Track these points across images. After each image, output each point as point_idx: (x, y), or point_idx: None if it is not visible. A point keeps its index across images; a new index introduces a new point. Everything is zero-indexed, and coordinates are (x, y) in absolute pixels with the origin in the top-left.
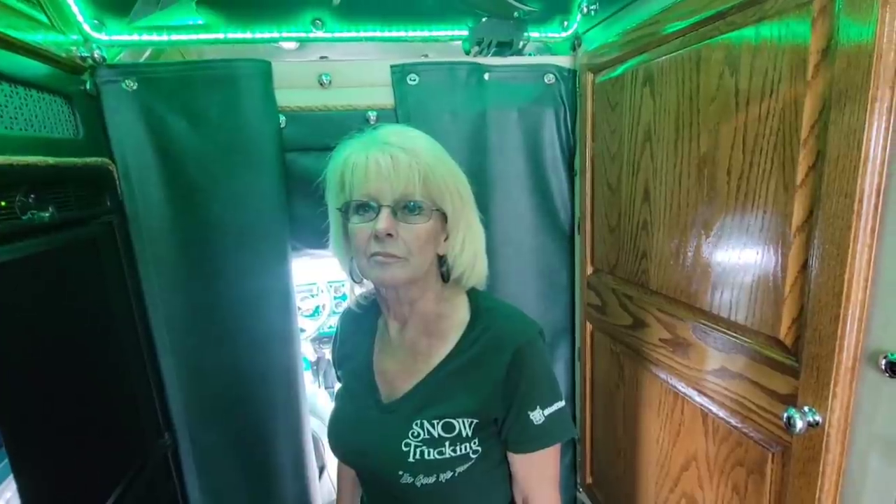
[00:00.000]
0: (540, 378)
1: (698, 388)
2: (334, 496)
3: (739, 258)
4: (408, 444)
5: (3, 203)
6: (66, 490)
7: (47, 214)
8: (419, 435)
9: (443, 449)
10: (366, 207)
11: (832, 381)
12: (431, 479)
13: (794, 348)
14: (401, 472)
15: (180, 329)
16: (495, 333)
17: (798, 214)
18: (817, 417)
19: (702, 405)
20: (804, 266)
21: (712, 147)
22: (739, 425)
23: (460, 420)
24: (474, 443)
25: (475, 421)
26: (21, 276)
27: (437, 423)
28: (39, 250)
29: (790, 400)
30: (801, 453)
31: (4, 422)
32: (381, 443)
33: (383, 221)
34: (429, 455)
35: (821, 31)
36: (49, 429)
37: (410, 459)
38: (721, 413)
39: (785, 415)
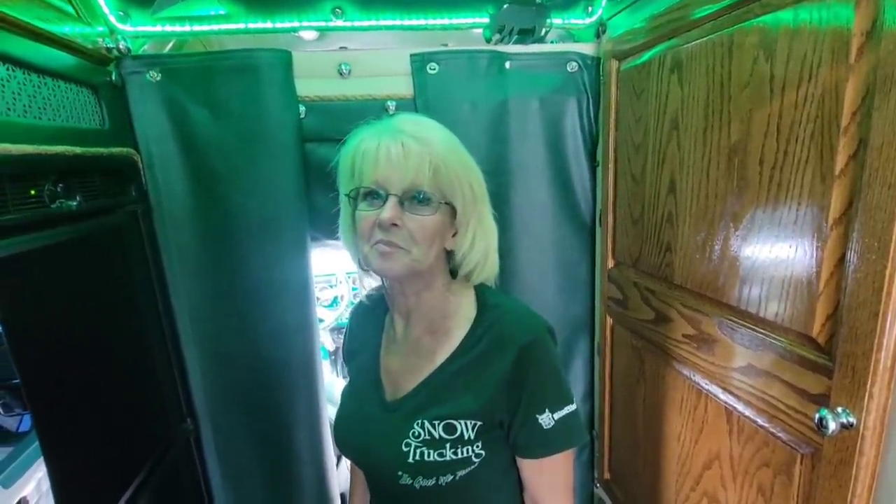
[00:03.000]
0: (548, 378)
1: (723, 386)
2: None
3: (771, 252)
4: (408, 445)
5: (32, 191)
6: (94, 471)
7: (75, 203)
8: (420, 435)
9: (443, 451)
10: (374, 195)
11: (868, 381)
12: (431, 482)
13: (827, 346)
14: (400, 473)
15: (202, 317)
16: (500, 331)
17: (836, 206)
18: (851, 419)
19: (726, 403)
20: (841, 260)
21: (744, 136)
22: (766, 425)
23: (462, 422)
24: (477, 446)
25: (478, 423)
26: (50, 264)
27: (439, 424)
28: (67, 238)
29: (822, 400)
30: (833, 455)
31: (35, 406)
32: (382, 442)
33: (389, 210)
34: (429, 457)
35: (865, 11)
36: (77, 413)
37: (410, 460)
38: (747, 412)
39: (817, 415)
